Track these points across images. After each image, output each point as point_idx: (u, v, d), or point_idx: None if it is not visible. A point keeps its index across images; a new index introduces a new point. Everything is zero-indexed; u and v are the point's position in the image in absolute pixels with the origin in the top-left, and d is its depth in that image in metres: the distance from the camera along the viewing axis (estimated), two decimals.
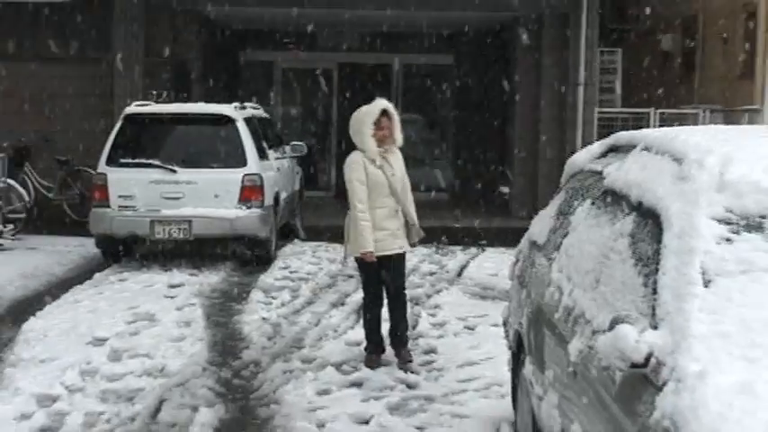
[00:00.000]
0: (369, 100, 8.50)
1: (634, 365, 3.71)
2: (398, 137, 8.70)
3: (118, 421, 7.22)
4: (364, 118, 8.55)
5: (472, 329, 10.19)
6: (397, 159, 8.78)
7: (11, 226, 15.64)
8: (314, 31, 22.49)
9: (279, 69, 23.35)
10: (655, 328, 3.78)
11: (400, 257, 8.83)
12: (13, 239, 15.52)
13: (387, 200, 8.62)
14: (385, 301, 8.89)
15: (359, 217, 8.47)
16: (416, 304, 11.38)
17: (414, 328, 10.20)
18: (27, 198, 16.49)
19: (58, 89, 18.26)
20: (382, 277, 8.77)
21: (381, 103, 8.61)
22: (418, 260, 14.58)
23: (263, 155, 14.31)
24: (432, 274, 13.57)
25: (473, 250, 15.69)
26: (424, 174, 22.79)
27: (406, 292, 9.07)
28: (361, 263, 8.71)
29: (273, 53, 23.11)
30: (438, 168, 23.08)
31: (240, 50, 22.98)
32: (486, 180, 21.21)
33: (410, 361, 8.73)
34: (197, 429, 6.97)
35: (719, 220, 4.00)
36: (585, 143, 13.70)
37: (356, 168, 8.57)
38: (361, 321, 9.06)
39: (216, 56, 20.93)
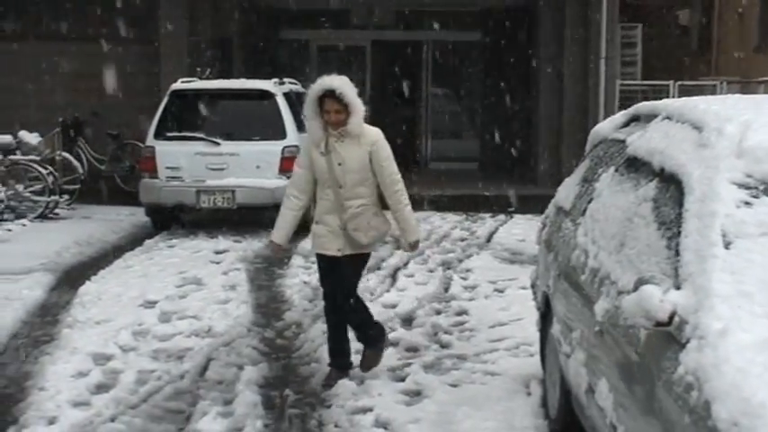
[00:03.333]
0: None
1: (658, 324, 3.69)
2: (354, 122, 6.84)
3: (168, 378, 7.25)
4: (308, 97, 6.95)
5: (502, 292, 10.17)
6: (354, 146, 6.91)
7: (66, 196, 15.73)
8: (347, 10, 22.45)
9: (314, 47, 23.31)
10: (678, 288, 3.76)
11: (346, 262, 7.03)
12: (68, 209, 15.64)
13: (330, 191, 6.94)
14: None
15: (283, 202, 7.19)
16: (448, 268, 11.41)
17: (446, 290, 10.23)
18: (81, 170, 16.60)
19: (109, 67, 18.29)
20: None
21: (325, 82, 6.87)
22: (450, 227, 14.60)
23: (301, 127, 14.30)
24: (463, 239, 13.57)
25: (501, 217, 15.68)
26: (454, 145, 22.81)
27: (369, 304, 7.67)
28: (316, 260, 7.38)
29: (309, 32, 23.07)
30: (466, 140, 23.03)
31: (278, 29, 22.94)
32: (514, 150, 21.13)
33: (369, 367, 7.29)
34: (242, 386, 6.99)
35: (739, 185, 3.97)
36: (607, 114, 13.63)
37: (302, 152, 7.33)
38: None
39: (255, 34, 20.93)
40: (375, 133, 7.01)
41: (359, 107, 6.81)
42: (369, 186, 6.99)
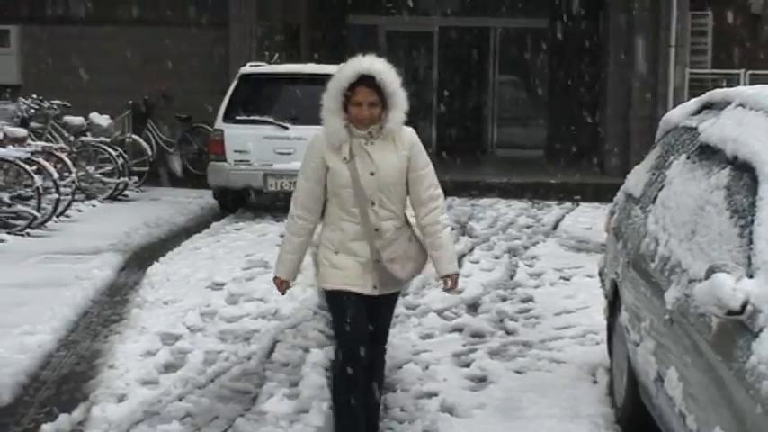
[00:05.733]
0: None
1: (730, 312, 3.66)
2: (395, 118, 5.14)
3: (235, 359, 7.30)
4: (331, 84, 5.17)
5: (568, 280, 10.14)
6: (389, 150, 5.18)
7: (135, 178, 15.93)
8: None
9: (383, 32, 23.30)
10: (750, 276, 3.73)
11: (385, 303, 5.35)
12: (137, 191, 15.84)
13: (355, 211, 5.17)
14: None
15: (286, 224, 5.43)
16: (514, 255, 11.39)
17: (512, 278, 10.18)
18: (150, 152, 16.79)
19: (178, 52, 18.42)
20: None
21: (363, 64, 5.13)
22: (515, 214, 14.56)
23: None
24: (528, 227, 13.51)
25: (568, 205, 15.60)
26: (521, 132, 22.70)
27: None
28: (329, 300, 5.51)
29: (377, 17, 23.08)
30: (533, 128, 22.95)
31: (346, 14, 22.97)
32: (581, 138, 21.00)
33: None
34: (308, 369, 7.01)
35: None
36: (677, 103, 13.47)
37: (308, 156, 5.29)
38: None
39: (323, 19, 20.97)
40: (411, 133, 5.30)
41: (403, 100, 5.15)
42: (402, 202, 5.27)
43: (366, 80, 5.07)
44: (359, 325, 5.23)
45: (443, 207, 5.37)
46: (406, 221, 5.28)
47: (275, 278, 5.46)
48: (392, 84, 5.10)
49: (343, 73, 5.12)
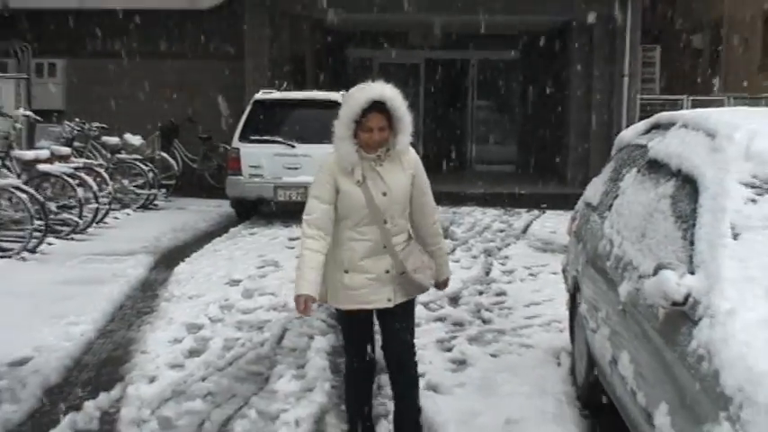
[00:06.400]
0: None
1: (675, 304, 3.67)
2: (403, 141, 4.73)
3: (250, 345, 7.31)
4: (342, 111, 4.67)
5: (535, 276, 10.13)
6: (397, 170, 4.77)
7: (163, 190, 15.91)
8: (405, 33, 22.45)
9: (376, 64, 23.32)
10: (692, 273, 3.73)
11: (400, 311, 4.87)
12: (165, 201, 15.81)
13: (367, 229, 4.73)
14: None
15: (303, 243, 4.70)
16: (489, 255, 11.38)
17: (487, 274, 10.18)
18: (176, 168, 16.78)
19: (201, 81, 18.49)
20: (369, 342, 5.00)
21: (374, 90, 4.63)
22: (490, 220, 14.56)
23: None
24: (502, 231, 13.51)
25: (535, 212, 15.60)
26: (495, 149, 22.74)
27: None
28: (340, 318, 5.14)
29: (372, 51, 23.08)
30: (506, 145, 22.97)
31: (345, 48, 22.98)
32: (546, 154, 21.02)
33: None
34: (313, 354, 7.01)
35: (746, 184, 3.93)
36: (629, 124, 13.49)
37: (319, 180, 4.79)
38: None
39: (325, 53, 20.97)
40: (414, 153, 4.89)
41: (409, 124, 4.72)
42: (406, 217, 4.88)
43: (377, 106, 4.60)
44: (368, 338, 4.93)
45: (439, 221, 5.14)
46: (409, 235, 4.92)
47: (298, 297, 4.63)
48: (400, 108, 4.64)
49: (355, 100, 4.61)
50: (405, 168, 4.78)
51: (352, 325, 4.91)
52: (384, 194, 4.70)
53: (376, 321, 4.98)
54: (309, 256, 4.62)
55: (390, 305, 4.79)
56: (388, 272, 4.75)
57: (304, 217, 4.72)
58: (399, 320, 4.86)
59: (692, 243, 3.93)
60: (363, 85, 4.65)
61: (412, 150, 4.85)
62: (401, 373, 4.91)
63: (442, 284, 5.15)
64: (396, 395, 4.97)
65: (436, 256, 4.97)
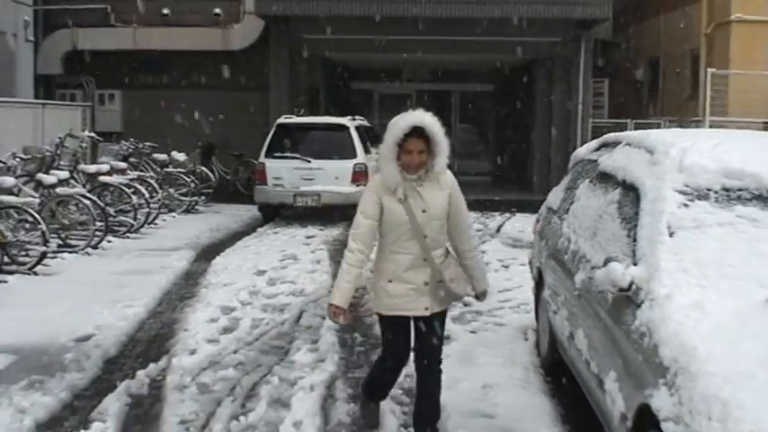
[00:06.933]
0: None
1: (621, 290, 3.67)
2: (439, 161, 4.34)
3: (273, 324, 7.29)
4: (387, 136, 4.32)
5: (507, 267, 10.10)
6: (436, 189, 4.40)
7: (203, 197, 15.87)
8: (400, 69, 22.47)
9: (376, 94, 23.34)
10: (635, 264, 3.73)
11: (432, 320, 4.48)
12: (204, 206, 15.76)
13: (409, 244, 4.38)
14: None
15: (345, 257, 4.37)
16: None
17: None
18: (213, 179, 16.72)
19: (233, 108, 18.52)
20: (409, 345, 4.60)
21: (415, 117, 4.31)
22: (470, 221, 14.50)
23: (367, 150, 14.32)
24: (479, 230, 13.47)
25: (507, 215, 15.56)
26: (474, 164, 22.69)
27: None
28: (381, 322, 4.62)
29: (372, 83, 23.09)
30: (483, 160, 22.95)
31: (351, 81, 22.97)
32: (516, 167, 21.00)
33: None
34: (324, 331, 6.99)
35: (680, 192, 3.94)
36: (583, 142, 13.47)
37: (366, 198, 4.41)
38: None
39: (335, 84, 20.95)
40: (450, 174, 4.51)
41: (446, 147, 4.34)
42: (445, 234, 4.52)
43: (417, 131, 4.26)
44: (406, 342, 4.55)
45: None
46: (447, 250, 4.54)
47: (331, 306, 4.33)
48: (438, 133, 4.27)
49: (398, 126, 4.27)
50: (442, 188, 4.42)
51: (392, 329, 4.53)
52: (423, 211, 4.35)
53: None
54: (348, 269, 4.34)
55: (427, 314, 4.44)
56: (426, 283, 4.41)
57: (351, 231, 4.43)
58: (433, 328, 4.50)
59: (635, 240, 3.93)
60: (405, 113, 4.34)
61: (449, 171, 4.47)
62: (428, 375, 4.52)
63: (481, 295, 4.73)
64: (419, 394, 4.55)
65: (473, 269, 4.60)
